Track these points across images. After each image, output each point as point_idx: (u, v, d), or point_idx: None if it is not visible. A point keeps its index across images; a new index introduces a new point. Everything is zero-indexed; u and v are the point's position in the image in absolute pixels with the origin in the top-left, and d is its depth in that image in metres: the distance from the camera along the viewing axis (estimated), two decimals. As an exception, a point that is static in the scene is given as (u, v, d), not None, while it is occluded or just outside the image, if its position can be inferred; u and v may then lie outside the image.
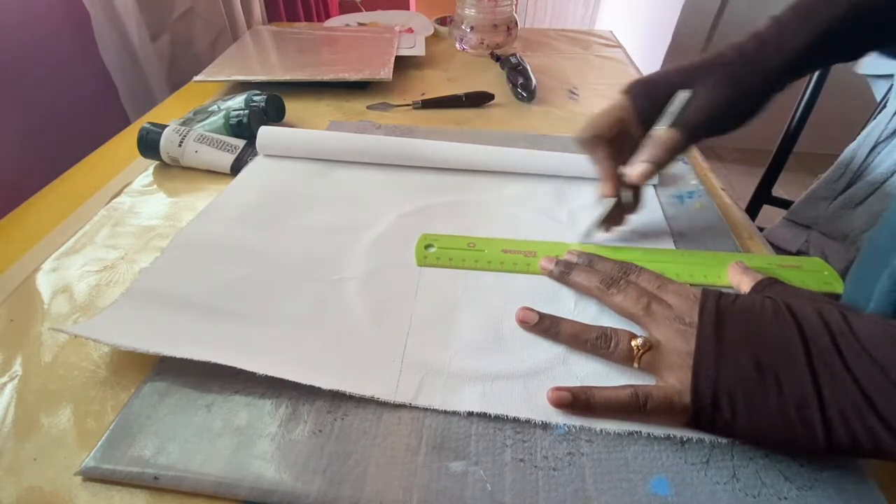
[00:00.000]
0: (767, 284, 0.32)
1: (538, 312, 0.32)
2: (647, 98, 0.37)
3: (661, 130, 0.35)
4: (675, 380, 0.27)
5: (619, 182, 0.38)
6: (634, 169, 0.36)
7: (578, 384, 0.29)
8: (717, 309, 0.27)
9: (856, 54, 0.36)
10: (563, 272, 0.35)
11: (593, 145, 0.38)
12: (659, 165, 0.35)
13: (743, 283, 0.34)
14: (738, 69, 0.34)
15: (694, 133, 0.35)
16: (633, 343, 0.28)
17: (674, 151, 0.35)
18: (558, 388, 0.28)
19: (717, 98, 0.34)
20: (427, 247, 0.39)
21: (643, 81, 0.38)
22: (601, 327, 0.30)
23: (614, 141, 0.38)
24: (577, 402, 0.27)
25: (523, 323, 0.32)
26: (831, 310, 0.26)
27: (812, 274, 0.36)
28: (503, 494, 0.24)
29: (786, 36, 0.34)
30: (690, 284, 0.31)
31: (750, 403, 0.25)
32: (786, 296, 0.29)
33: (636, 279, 0.32)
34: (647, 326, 0.30)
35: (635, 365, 0.28)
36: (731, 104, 0.34)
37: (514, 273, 0.37)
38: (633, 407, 0.26)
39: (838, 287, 0.35)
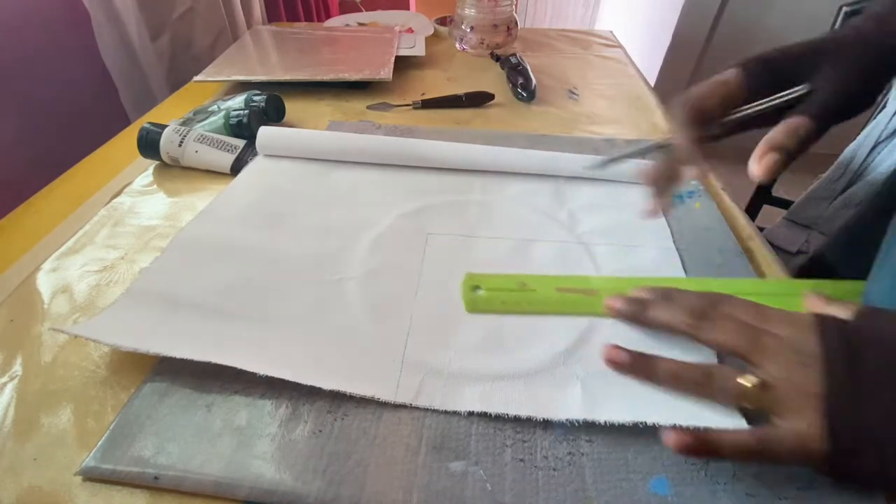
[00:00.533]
0: (872, 314, 0.27)
1: (629, 351, 0.29)
2: (764, 76, 0.33)
3: (793, 118, 0.30)
4: (802, 422, 0.23)
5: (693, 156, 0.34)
6: (761, 162, 0.30)
7: (580, 385, 0.29)
8: (842, 337, 0.24)
9: None
10: (637, 310, 0.31)
11: (686, 117, 0.33)
12: (791, 156, 0.30)
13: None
14: (864, 52, 0.31)
15: (826, 122, 0.30)
16: (741, 381, 0.25)
17: (807, 142, 0.30)
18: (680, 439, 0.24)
19: (847, 85, 0.31)
20: (474, 288, 0.35)
21: (762, 59, 0.33)
22: (703, 365, 0.27)
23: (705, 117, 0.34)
24: (701, 449, 0.24)
25: (613, 363, 0.29)
26: None
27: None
28: (503, 494, 0.24)
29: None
30: (818, 314, 0.26)
31: None
32: None
33: (729, 309, 0.28)
34: (757, 362, 0.25)
35: (746, 405, 0.25)
36: (859, 89, 0.31)
37: (576, 315, 0.33)
38: (761, 453, 0.24)
39: None
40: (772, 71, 0.33)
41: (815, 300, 0.31)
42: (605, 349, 0.30)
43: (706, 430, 0.25)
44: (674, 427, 0.25)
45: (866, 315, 0.27)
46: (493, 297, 0.35)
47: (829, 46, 0.32)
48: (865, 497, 0.24)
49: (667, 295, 0.31)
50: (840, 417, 0.22)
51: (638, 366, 0.28)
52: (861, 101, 0.32)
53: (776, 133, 0.30)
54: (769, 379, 0.24)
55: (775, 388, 0.24)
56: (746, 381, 0.25)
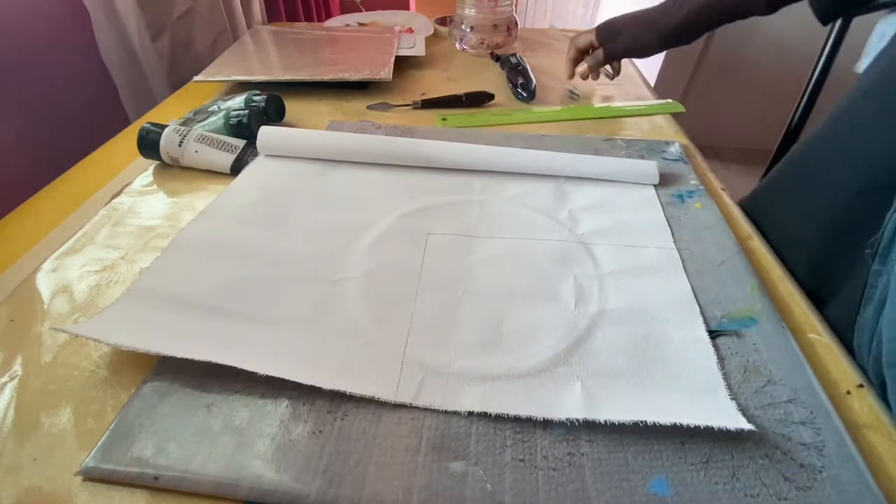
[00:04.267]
0: None
1: None
2: (605, 32, 0.61)
3: (598, 49, 0.63)
4: None
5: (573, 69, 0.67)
6: (580, 67, 0.66)
7: (580, 385, 0.29)
8: None
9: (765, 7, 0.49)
10: None
11: (573, 54, 0.66)
12: (591, 68, 0.64)
13: None
14: (644, 25, 0.57)
15: (610, 55, 0.62)
16: None
17: (598, 62, 0.63)
18: None
19: (629, 41, 0.59)
20: None
21: (606, 23, 0.61)
22: None
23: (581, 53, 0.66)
24: None
25: None
26: None
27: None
28: (503, 494, 0.24)
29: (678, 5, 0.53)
30: None
31: None
32: None
33: None
34: None
35: None
36: (636, 47, 0.59)
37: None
38: None
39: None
40: (609, 28, 0.61)
41: None
42: None
43: None
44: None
45: None
46: None
47: (638, 16, 0.58)
48: (866, 497, 0.24)
49: None
50: None
51: None
52: (638, 53, 0.60)
53: (589, 57, 0.65)
54: None
55: None
56: None
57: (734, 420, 0.26)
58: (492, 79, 0.73)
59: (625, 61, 0.84)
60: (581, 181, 0.49)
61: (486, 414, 0.28)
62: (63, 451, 0.26)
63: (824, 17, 0.47)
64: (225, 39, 0.88)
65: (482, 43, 0.82)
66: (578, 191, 0.47)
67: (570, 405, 0.28)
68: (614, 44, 0.59)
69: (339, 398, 0.28)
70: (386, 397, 0.28)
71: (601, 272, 0.38)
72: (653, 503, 0.24)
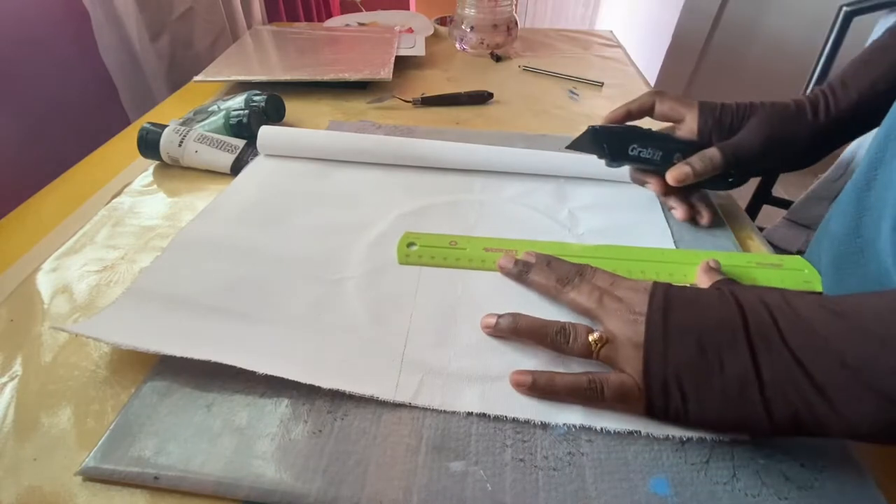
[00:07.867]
0: (723, 283, 0.33)
1: (498, 315, 0.32)
2: (711, 114, 0.41)
3: (711, 148, 0.40)
4: (631, 369, 0.27)
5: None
6: (675, 169, 0.41)
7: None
8: (665, 297, 0.28)
9: None
10: (522, 271, 0.36)
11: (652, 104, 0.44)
12: (696, 173, 0.40)
13: (702, 283, 0.34)
14: (783, 113, 0.39)
15: (731, 158, 0.39)
16: (590, 338, 0.28)
17: (711, 166, 0.39)
18: (520, 372, 0.29)
19: (756, 136, 0.39)
20: (409, 245, 0.39)
21: (712, 104, 0.42)
22: (560, 322, 0.30)
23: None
24: (537, 386, 0.28)
25: (486, 328, 0.32)
26: (773, 293, 0.27)
27: (792, 272, 0.37)
28: (503, 494, 0.24)
29: (840, 89, 0.38)
30: (655, 281, 0.30)
31: (697, 387, 0.25)
32: (736, 288, 0.30)
33: (591, 278, 0.32)
34: (600, 319, 0.30)
35: (594, 359, 0.28)
36: (771, 144, 0.39)
37: (495, 271, 0.37)
38: (591, 394, 0.27)
39: (818, 285, 0.36)
40: (718, 111, 0.41)
41: (701, 266, 0.36)
42: (482, 319, 0.33)
43: (547, 371, 0.28)
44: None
45: (713, 284, 0.32)
46: (424, 252, 0.39)
47: (765, 105, 0.40)
48: (866, 497, 0.24)
49: (549, 262, 0.35)
50: (653, 363, 0.26)
51: (501, 325, 0.31)
52: (776, 158, 0.40)
53: (696, 156, 0.40)
54: (609, 335, 0.28)
55: (613, 344, 0.28)
56: (592, 337, 0.28)
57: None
58: (492, 79, 0.73)
59: (618, 56, 0.84)
60: (581, 181, 0.49)
61: (485, 414, 0.28)
62: (63, 451, 0.26)
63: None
64: (225, 39, 0.88)
65: (482, 43, 0.82)
66: (578, 190, 0.47)
67: (569, 410, 0.28)
68: (733, 141, 0.40)
69: (339, 398, 0.28)
70: (385, 397, 0.28)
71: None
72: (653, 503, 0.24)
